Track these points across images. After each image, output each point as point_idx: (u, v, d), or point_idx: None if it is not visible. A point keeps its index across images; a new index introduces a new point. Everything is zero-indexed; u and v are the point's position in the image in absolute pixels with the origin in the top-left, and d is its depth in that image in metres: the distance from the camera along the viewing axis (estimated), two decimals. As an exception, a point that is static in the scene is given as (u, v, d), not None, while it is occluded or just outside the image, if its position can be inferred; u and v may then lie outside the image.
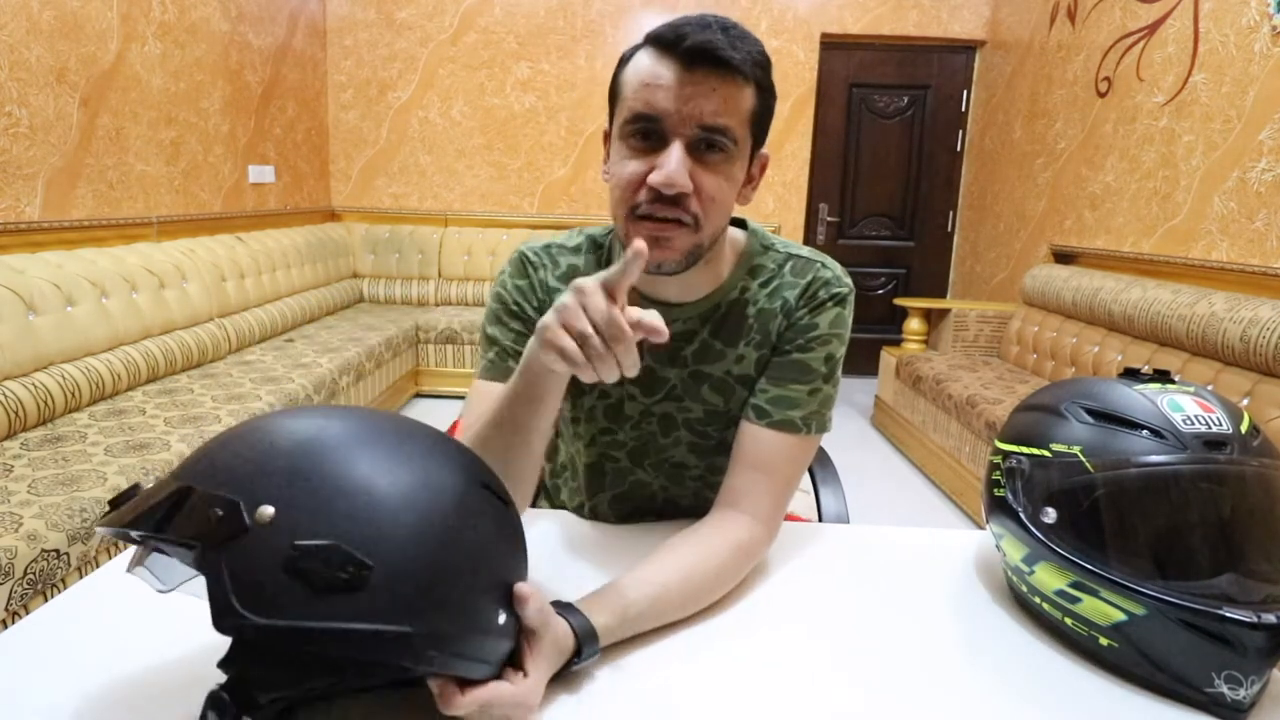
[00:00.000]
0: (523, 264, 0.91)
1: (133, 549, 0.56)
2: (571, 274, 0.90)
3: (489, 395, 0.82)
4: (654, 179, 0.71)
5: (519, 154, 4.46)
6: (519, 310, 0.89)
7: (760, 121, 0.77)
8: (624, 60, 0.78)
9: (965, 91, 4.49)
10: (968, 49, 4.44)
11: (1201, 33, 2.66)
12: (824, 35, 4.34)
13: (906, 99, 4.53)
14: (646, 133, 0.73)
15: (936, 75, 4.49)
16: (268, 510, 0.46)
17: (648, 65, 0.73)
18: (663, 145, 0.72)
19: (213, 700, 0.49)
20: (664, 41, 0.72)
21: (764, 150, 0.81)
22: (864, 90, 4.52)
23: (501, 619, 0.54)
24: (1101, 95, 3.23)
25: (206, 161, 3.24)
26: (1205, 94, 2.63)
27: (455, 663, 0.51)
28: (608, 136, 0.80)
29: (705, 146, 0.73)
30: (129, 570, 0.57)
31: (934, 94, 4.51)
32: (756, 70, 0.73)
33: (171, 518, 0.47)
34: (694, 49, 0.70)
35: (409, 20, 4.31)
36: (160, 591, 0.58)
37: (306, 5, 4.08)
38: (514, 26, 4.32)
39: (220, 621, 0.44)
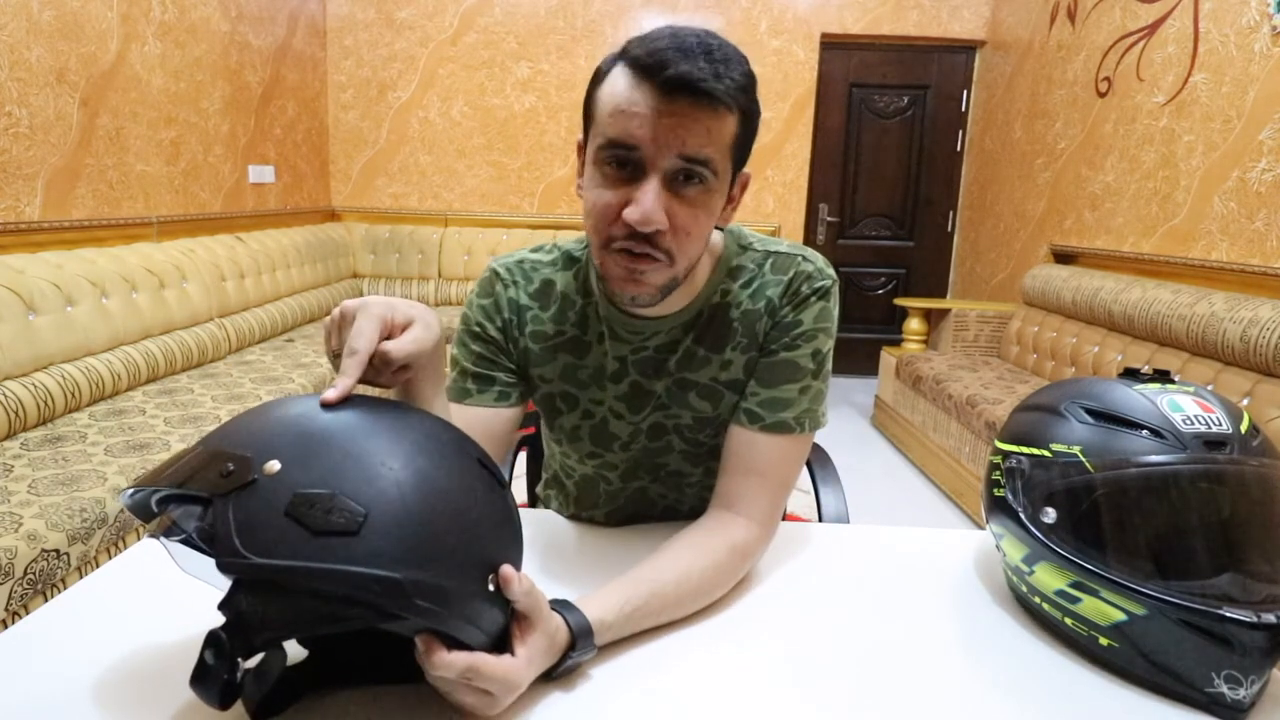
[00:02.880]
0: (490, 281, 0.89)
1: (134, 547, 0.57)
2: (546, 289, 0.88)
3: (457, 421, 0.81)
4: (629, 215, 0.68)
5: (519, 154, 4.46)
6: (480, 331, 0.88)
7: (742, 147, 0.74)
8: (599, 74, 0.73)
9: (965, 91, 4.49)
10: (968, 49, 4.44)
11: (1201, 33, 2.66)
12: (824, 35, 4.34)
13: (906, 99, 4.52)
14: (622, 161, 0.69)
15: (936, 75, 4.49)
16: (274, 464, 0.50)
17: (624, 90, 0.69)
18: (639, 175, 0.69)
19: (211, 639, 0.51)
20: (643, 67, 0.67)
21: (745, 170, 0.78)
22: (864, 90, 4.52)
23: (492, 586, 0.56)
24: (1101, 95, 3.23)
25: (206, 161, 3.24)
26: (1205, 94, 2.63)
27: (443, 617, 0.52)
28: (582, 149, 0.77)
29: (684, 179, 0.69)
30: (151, 535, 0.58)
31: (934, 94, 4.51)
32: (740, 97, 0.69)
33: (191, 477, 0.51)
34: (675, 80, 0.66)
35: (409, 20, 4.31)
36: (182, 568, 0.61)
37: (306, 5, 4.08)
38: (514, 26, 4.32)
39: (223, 561, 0.48)
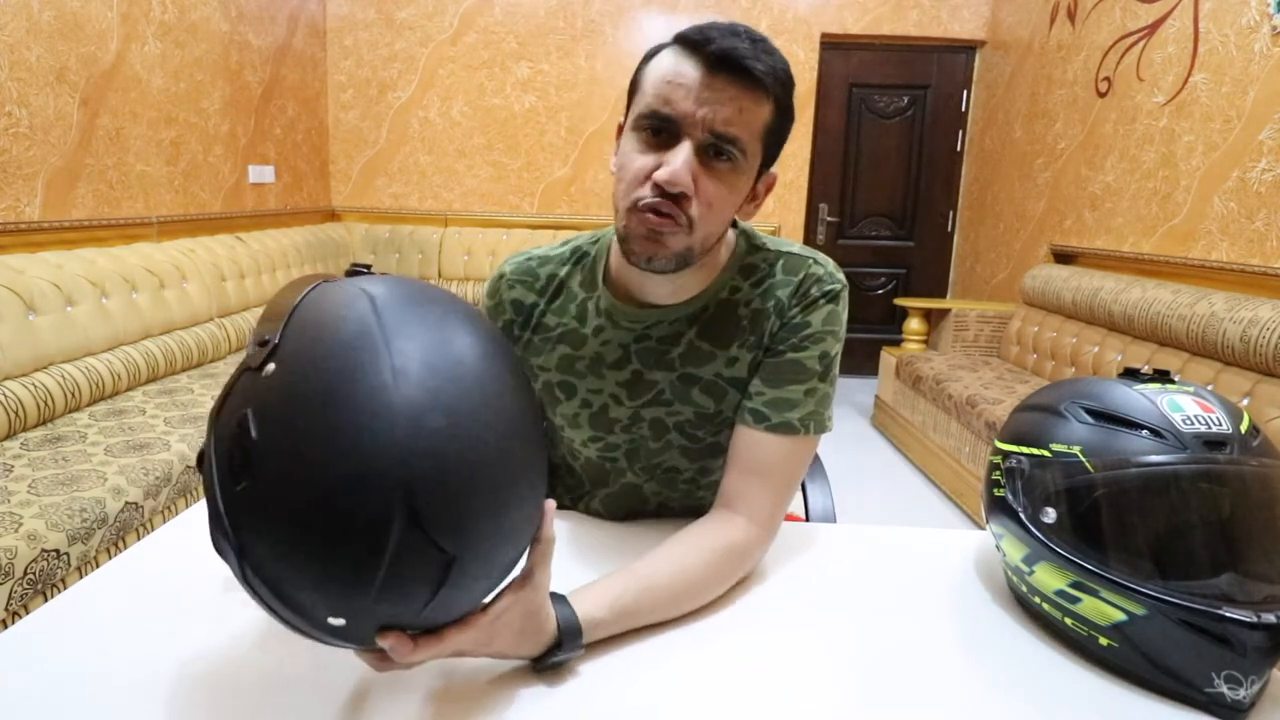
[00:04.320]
0: (496, 284, 0.94)
1: (134, 547, 0.57)
2: (551, 284, 0.91)
3: None
4: (659, 175, 0.72)
5: (519, 154, 4.46)
6: None
7: (774, 139, 0.77)
8: (649, 56, 0.78)
9: (965, 91, 4.49)
10: (968, 49, 4.44)
11: (1201, 33, 2.66)
12: (824, 35, 4.34)
13: (906, 99, 4.52)
14: (659, 129, 0.73)
15: (936, 75, 4.49)
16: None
17: (671, 63, 0.73)
18: (673, 143, 0.73)
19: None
20: (690, 42, 0.72)
21: (773, 170, 0.81)
22: (864, 90, 4.52)
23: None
24: (1101, 95, 3.23)
25: (206, 161, 3.24)
26: (1205, 94, 2.63)
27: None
28: (621, 129, 0.80)
29: (714, 153, 0.73)
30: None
31: (934, 94, 4.51)
32: (778, 87, 0.74)
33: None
34: (719, 54, 0.70)
35: (409, 20, 4.31)
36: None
37: (306, 5, 4.08)
38: (514, 26, 4.32)
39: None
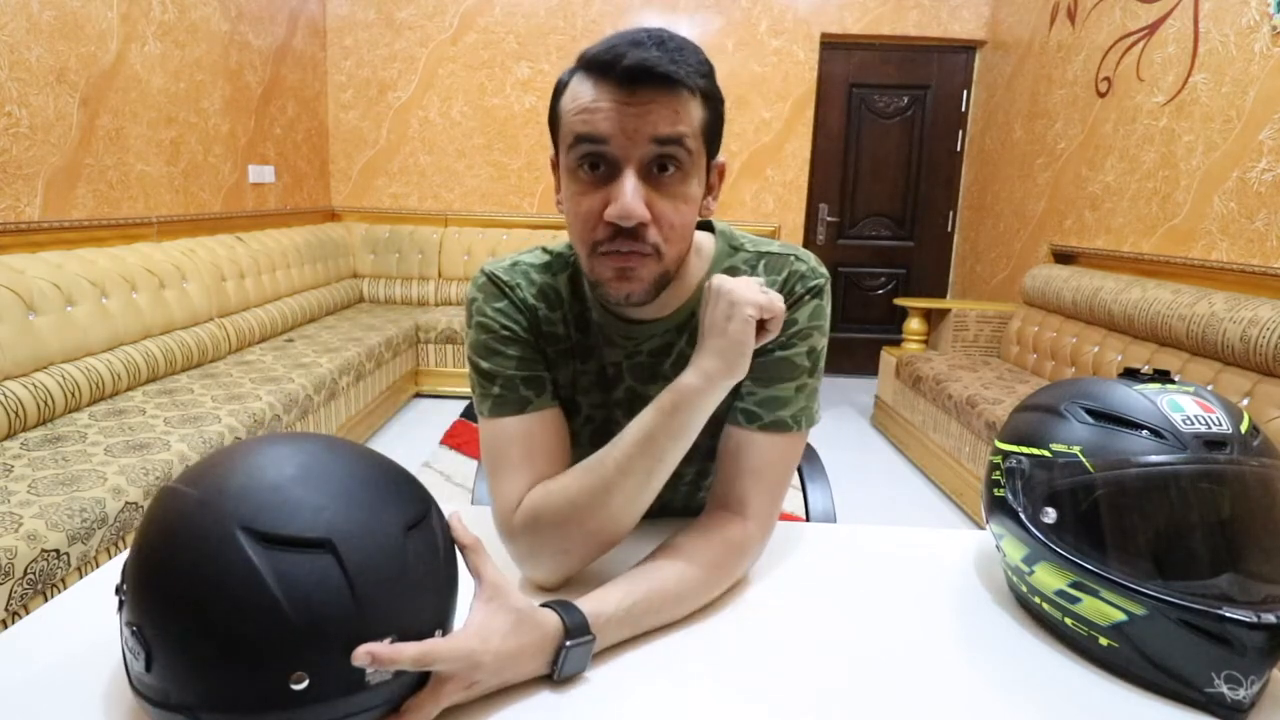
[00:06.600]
0: (495, 285, 0.86)
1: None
2: (548, 293, 0.86)
3: (529, 434, 0.81)
4: (610, 213, 0.69)
5: (519, 154, 4.46)
6: (511, 333, 0.84)
7: (712, 130, 0.75)
8: (560, 87, 0.74)
9: (965, 91, 4.49)
10: (968, 49, 4.44)
11: (1201, 33, 2.66)
12: (824, 35, 4.34)
13: (906, 99, 4.53)
14: (595, 161, 0.70)
15: (936, 75, 4.49)
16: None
17: (585, 91, 0.70)
18: (614, 174, 0.70)
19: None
20: (599, 65, 0.68)
21: (720, 159, 0.78)
22: (864, 90, 4.52)
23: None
24: (1101, 95, 3.23)
25: (206, 161, 3.25)
26: (1205, 94, 2.63)
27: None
28: (555, 164, 0.77)
29: (659, 168, 0.70)
30: None
31: (934, 94, 4.51)
32: (700, 80, 0.71)
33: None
34: (632, 69, 0.66)
35: (409, 20, 4.31)
36: None
37: (306, 5, 4.09)
38: (514, 26, 4.32)
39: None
